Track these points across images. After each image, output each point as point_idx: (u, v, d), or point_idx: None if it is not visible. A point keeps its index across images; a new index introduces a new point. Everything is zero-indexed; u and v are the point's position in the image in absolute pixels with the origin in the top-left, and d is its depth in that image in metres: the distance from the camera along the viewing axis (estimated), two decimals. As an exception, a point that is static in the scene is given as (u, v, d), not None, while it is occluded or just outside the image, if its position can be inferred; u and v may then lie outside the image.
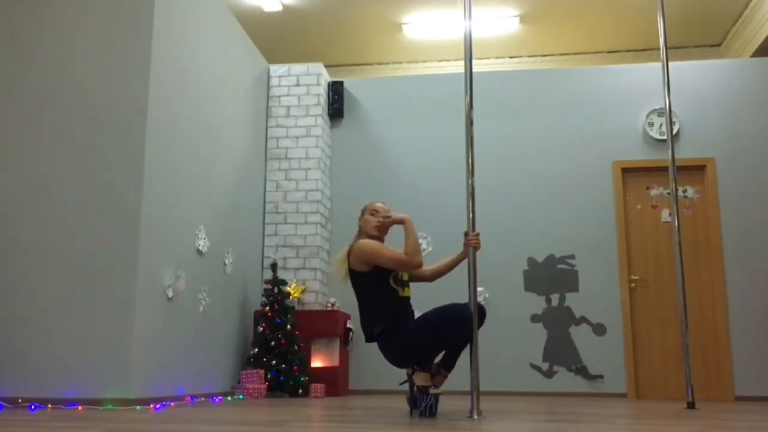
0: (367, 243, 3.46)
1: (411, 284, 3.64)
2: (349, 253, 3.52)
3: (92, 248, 4.22)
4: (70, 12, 4.54)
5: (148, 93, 4.38)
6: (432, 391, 3.31)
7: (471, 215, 3.60)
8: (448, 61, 8.16)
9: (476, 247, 3.56)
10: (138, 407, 3.94)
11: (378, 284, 3.44)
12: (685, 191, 6.55)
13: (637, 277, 6.46)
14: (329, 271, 3.42)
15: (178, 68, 4.83)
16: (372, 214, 3.58)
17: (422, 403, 3.29)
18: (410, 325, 3.41)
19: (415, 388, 3.36)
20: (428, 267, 3.73)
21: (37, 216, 4.30)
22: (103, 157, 4.33)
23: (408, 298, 3.54)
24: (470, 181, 3.61)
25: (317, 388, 5.76)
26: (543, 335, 6.44)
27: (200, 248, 5.05)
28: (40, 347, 4.13)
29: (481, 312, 3.50)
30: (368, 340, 3.55)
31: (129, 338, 4.10)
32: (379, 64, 8.36)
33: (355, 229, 3.70)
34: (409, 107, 6.98)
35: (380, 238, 3.58)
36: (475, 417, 3.27)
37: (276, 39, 7.74)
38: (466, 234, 3.58)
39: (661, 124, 6.60)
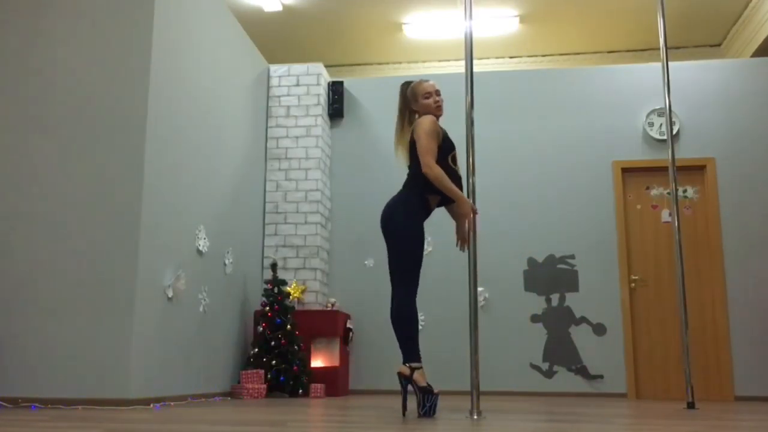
0: (427, 120, 3.58)
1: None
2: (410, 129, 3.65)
3: (92, 248, 4.22)
4: (69, 12, 4.54)
5: (148, 93, 4.38)
6: (436, 390, 3.31)
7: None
8: (448, 61, 8.16)
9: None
10: (138, 407, 3.94)
11: (439, 160, 3.54)
12: (685, 191, 6.55)
13: (637, 277, 6.46)
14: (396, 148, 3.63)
15: (178, 68, 4.83)
16: (426, 98, 3.68)
17: (427, 404, 3.26)
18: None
19: (416, 389, 3.31)
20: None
21: (37, 216, 4.30)
22: (103, 157, 4.33)
23: (460, 177, 3.65)
24: (470, 181, 3.61)
25: (317, 388, 5.76)
26: (543, 335, 6.44)
27: (200, 248, 5.05)
28: (40, 347, 4.13)
29: None
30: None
31: (129, 338, 4.10)
32: (379, 64, 8.36)
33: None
34: (409, 107, 6.97)
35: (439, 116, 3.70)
36: (475, 417, 3.27)
37: (276, 39, 7.74)
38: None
39: (661, 124, 6.60)
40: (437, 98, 3.69)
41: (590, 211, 6.61)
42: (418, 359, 3.36)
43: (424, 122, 3.57)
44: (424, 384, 3.30)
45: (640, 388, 6.27)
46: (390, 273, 3.54)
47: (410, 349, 3.37)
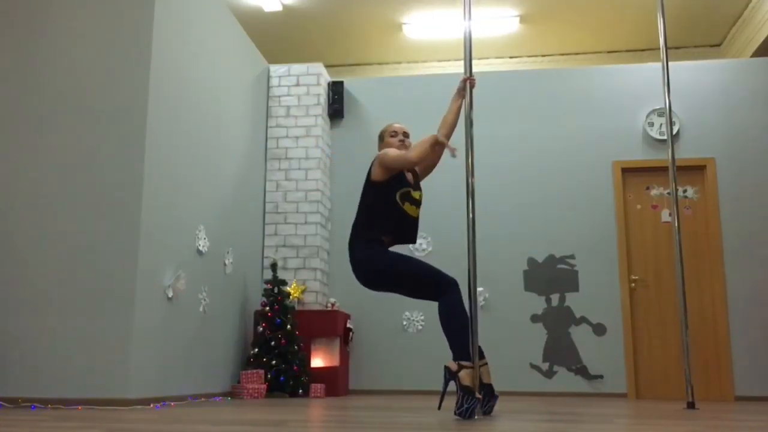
0: (386, 150, 3.59)
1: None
2: (370, 166, 3.64)
3: (92, 248, 4.22)
4: (69, 12, 4.54)
5: (148, 93, 4.38)
6: (478, 395, 3.22)
7: (471, 215, 3.59)
8: (448, 61, 8.17)
9: (473, 85, 3.65)
10: (138, 407, 3.94)
11: (390, 197, 3.51)
12: (685, 191, 6.55)
13: (637, 277, 6.46)
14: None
15: (178, 68, 4.83)
16: (392, 136, 3.73)
17: (465, 404, 3.17)
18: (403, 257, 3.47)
19: (458, 387, 3.21)
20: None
21: (37, 216, 4.30)
22: (102, 157, 4.33)
23: (417, 219, 3.60)
24: (470, 181, 3.60)
25: (317, 388, 5.76)
26: (543, 335, 6.44)
27: (200, 248, 5.05)
28: (40, 347, 4.13)
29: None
30: (357, 240, 3.53)
31: (129, 338, 4.10)
32: (379, 64, 8.36)
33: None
34: (409, 107, 6.99)
35: None
36: (475, 417, 3.26)
37: (276, 39, 7.74)
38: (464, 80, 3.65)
39: (661, 124, 6.60)
40: (402, 138, 3.72)
41: (590, 211, 6.61)
42: (467, 358, 3.27)
43: (389, 150, 3.59)
44: (466, 383, 3.20)
45: (640, 388, 6.27)
46: (421, 297, 3.51)
47: (460, 347, 3.29)
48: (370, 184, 3.60)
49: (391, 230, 3.52)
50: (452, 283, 3.39)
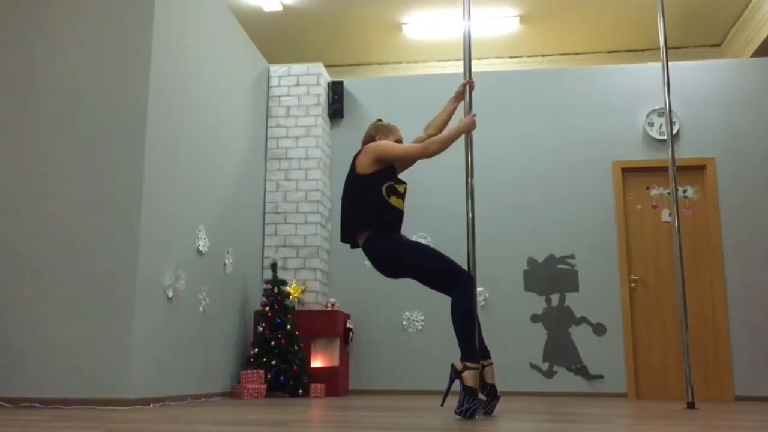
0: (381, 141, 3.61)
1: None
2: (355, 157, 3.61)
3: (92, 248, 4.22)
4: (69, 12, 4.54)
5: (148, 93, 4.38)
6: (480, 396, 3.23)
7: (471, 215, 3.60)
8: (448, 61, 8.16)
9: (472, 88, 3.74)
10: (138, 407, 3.94)
11: (378, 191, 3.50)
12: (685, 191, 6.55)
13: (637, 277, 6.46)
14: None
15: (178, 68, 4.83)
16: (398, 142, 3.74)
17: (465, 404, 3.17)
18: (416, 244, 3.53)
19: (461, 387, 3.22)
20: (422, 137, 3.85)
21: (37, 216, 4.30)
22: (102, 157, 4.33)
23: (402, 212, 3.61)
24: (470, 181, 3.60)
25: (317, 388, 5.76)
26: (543, 335, 6.44)
27: (200, 248, 5.05)
28: (40, 347, 4.13)
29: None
30: (357, 239, 3.56)
31: (129, 338, 4.10)
32: (379, 64, 8.36)
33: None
34: (409, 107, 6.98)
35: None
36: (476, 417, 3.27)
37: (276, 39, 7.74)
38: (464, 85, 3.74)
39: (661, 124, 6.60)
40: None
41: (590, 211, 6.61)
42: (474, 359, 3.27)
43: (381, 142, 3.60)
44: (469, 384, 3.20)
45: (640, 388, 6.27)
46: (435, 288, 3.52)
47: (467, 348, 3.28)
48: (355, 177, 3.56)
49: (382, 222, 3.50)
50: (467, 277, 3.39)
